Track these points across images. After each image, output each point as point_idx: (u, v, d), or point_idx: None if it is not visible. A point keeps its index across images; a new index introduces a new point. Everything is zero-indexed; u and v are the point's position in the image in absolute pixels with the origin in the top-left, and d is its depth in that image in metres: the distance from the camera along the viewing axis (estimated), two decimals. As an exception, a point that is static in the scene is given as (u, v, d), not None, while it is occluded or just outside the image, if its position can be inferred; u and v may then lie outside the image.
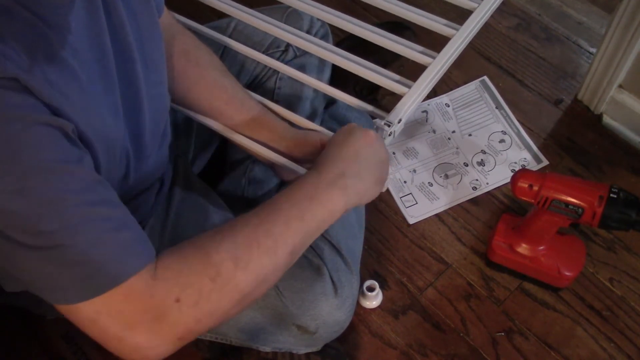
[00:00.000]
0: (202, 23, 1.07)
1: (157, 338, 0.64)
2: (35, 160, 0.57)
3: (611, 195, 0.93)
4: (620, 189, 0.94)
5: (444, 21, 0.94)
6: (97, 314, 0.62)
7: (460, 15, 0.99)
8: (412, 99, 0.83)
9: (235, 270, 0.66)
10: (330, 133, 0.92)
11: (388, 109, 0.86)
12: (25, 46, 0.56)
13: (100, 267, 0.60)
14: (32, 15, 0.57)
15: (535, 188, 0.96)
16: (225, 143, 1.14)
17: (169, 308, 0.63)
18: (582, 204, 0.93)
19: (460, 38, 0.90)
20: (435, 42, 0.96)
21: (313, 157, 0.89)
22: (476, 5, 0.96)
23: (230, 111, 0.93)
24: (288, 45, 1.13)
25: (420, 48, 0.92)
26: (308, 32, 1.12)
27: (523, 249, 1.10)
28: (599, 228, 0.96)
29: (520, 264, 1.11)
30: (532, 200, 0.98)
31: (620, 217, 0.92)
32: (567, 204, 0.94)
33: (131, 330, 0.62)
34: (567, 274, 1.08)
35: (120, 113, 0.72)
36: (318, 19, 1.14)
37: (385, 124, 0.82)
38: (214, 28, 1.07)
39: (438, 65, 0.87)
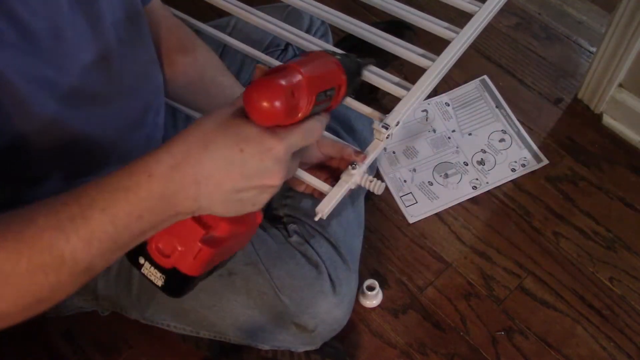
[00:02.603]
0: (202, 21, 1.06)
1: None
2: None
3: (337, 57, 0.70)
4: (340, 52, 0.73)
5: (445, 24, 0.94)
6: None
7: (460, 14, 0.99)
8: (410, 101, 0.83)
9: None
10: (330, 135, 0.91)
11: (388, 108, 0.86)
12: None
13: None
14: None
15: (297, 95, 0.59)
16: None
17: None
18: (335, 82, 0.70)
19: (460, 42, 0.90)
20: (436, 41, 0.96)
21: (309, 160, 0.89)
22: (477, 8, 0.96)
23: None
24: (288, 44, 1.13)
25: (420, 51, 0.92)
26: (308, 30, 1.12)
27: None
28: (349, 96, 0.78)
29: None
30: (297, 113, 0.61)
31: (356, 68, 0.75)
32: (325, 91, 0.67)
33: None
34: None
35: None
36: (318, 18, 1.14)
37: (382, 126, 0.82)
38: (214, 26, 1.07)
39: (437, 68, 0.86)
